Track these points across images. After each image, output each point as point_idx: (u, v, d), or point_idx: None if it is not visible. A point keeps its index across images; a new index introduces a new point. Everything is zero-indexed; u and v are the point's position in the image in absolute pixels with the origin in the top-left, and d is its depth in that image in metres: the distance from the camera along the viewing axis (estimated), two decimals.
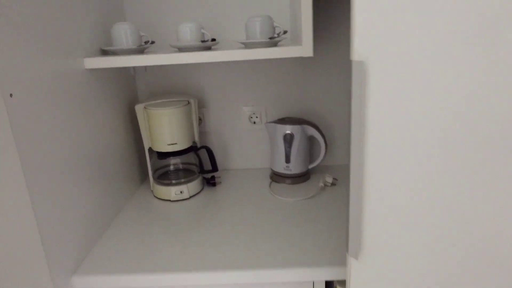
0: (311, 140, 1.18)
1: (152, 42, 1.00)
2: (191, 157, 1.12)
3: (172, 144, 1.03)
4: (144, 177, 1.21)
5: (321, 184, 1.10)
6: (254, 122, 1.23)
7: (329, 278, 0.74)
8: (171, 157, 1.09)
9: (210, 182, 1.15)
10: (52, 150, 0.71)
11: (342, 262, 0.75)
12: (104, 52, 0.95)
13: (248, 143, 1.25)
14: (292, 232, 0.87)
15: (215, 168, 1.13)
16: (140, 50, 0.93)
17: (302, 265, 0.75)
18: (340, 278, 0.74)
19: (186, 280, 0.75)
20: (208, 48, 0.90)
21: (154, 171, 1.11)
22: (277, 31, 0.92)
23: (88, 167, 0.84)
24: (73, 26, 0.81)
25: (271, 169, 1.18)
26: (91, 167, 0.86)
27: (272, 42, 0.87)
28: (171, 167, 1.13)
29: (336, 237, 0.84)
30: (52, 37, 0.73)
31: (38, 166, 0.66)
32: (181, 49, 0.89)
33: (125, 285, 0.76)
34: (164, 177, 1.10)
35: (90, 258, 0.81)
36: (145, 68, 1.17)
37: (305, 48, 0.81)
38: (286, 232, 0.87)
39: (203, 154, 1.18)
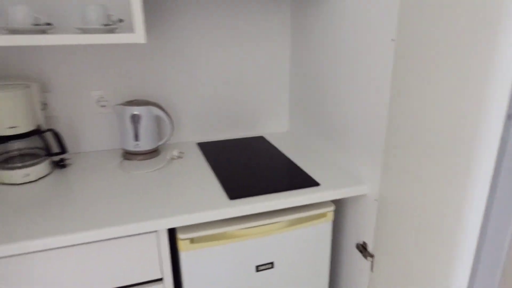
0: (157, 119, 1.31)
1: None
2: (36, 141, 1.13)
3: (12, 127, 1.03)
4: None
5: (168, 157, 1.25)
6: (102, 105, 1.30)
7: (169, 226, 0.90)
8: (13, 141, 1.09)
9: (59, 164, 1.18)
10: None
11: (173, 213, 0.91)
12: None
13: (98, 126, 1.31)
14: (139, 196, 1.00)
15: (63, 150, 1.16)
16: None
17: (147, 219, 0.88)
18: (179, 224, 0.91)
19: (50, 244, 0.81)
20: (43, 32, 0.95)
21: None
22: (113, 19, 1.02)
23: None
24: None
25: (122, 148, 1.28)
26: None
27: (108, 29, 0.97)
28: (15, 152, 1.12)
29: (175, 196, 1.00)
30: None
31: None
32: (12, 32, 0.91)
33: None
34: (7, 161, 1.09)
35: None
36: None
37: (138, 35, 0.94)
38: (133, 197, 0.99)
39: (51, 138, 1.20)
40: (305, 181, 1.08)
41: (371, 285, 1.07)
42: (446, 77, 0.71)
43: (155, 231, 0.92)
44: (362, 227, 1.10)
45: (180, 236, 0.94)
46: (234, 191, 1.01)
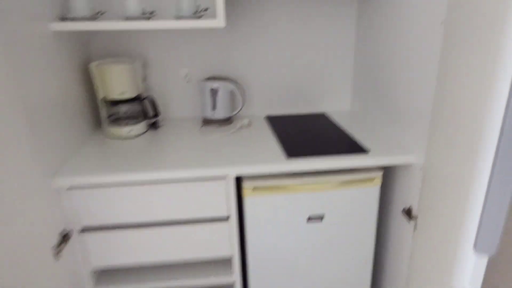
0: (232, 93, 1.53)
1: (102, 13, 1.28)
2: (137, 106, 1.43)
3: (122, 93, 1.33)
4: (97, 125, 1.49)
5: (239, 125, 1.47)
6: (188, 81, 1.56)
7: (236, 174, 1.11)
8: (121, 104, 1.39)
9: (153, 125, 1.47)
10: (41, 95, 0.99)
11: (245, 161, 1.12)
12: (63, 20, 1.21)
13: (183, 97, 1.58)
14: (213, 151, 1.22)
15: (157, 113, 1.45)
16: (93, 18, 1.21)
17: (220, 166, 1.11)
18: (244, 173, 1.11)
19: (146, 178, 1.08)
20: (149, 19, 1.21)
21: (108, 117, 1.40)
22: (200, 8, 1.25)
23: (51, 111, 1.12)
24: None
25: (202, 116, 1.52)
26: (54, 112, 1.14)
27: (196, 16, 1.20)
28: (121, 113, 1.42)
29: (243, 153, 1.21)
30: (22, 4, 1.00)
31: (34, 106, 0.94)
32: (127, 19, 1.18)
33: (91, 182, 1.07)
34: (115, 121, 1.40)
35: (62, 171, 1.10)
36: (96, 33, 1.44)
37: (219, 21, 1.15)
38: (209, 152, 1.22)
39: (148, 104, 1.49)
40: (355, 148, 1.22)
41: (414, 243, 1.17)
42: (482, 59, 0.79)
43: (225, 178, 1.14)
44: (408, 193, 1.21)
45: (244, 184, 1.15)
46: (291, 151, 1.19)
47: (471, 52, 0.82)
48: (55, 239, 1.05)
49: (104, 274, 1.33)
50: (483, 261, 0.84)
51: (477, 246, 0.80)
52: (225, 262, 1.37)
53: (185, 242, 1.21)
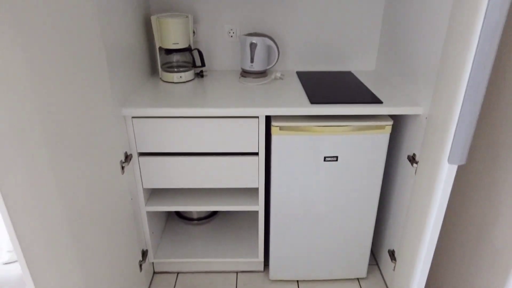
0: (269, 48, 1.73)
1: None
2: (187, 56, 1.67)
3: (175, 43, 1.57)
4: (154, 70, 1.76)
5: (273, 77, 1.68)
6: (231, 36, 1.77)
7: (267, 114, 1.34)
8: (174, 53, 1.64)
9: (200, 74, 1.71)
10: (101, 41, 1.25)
11: (275, 105, 1.34)
12: None
13: (226, 50, 1.80)
14: (249, 96, 1.45)
15: (203, 64, 1.68)
16: None
17: (252, 105, 1.34)
18: (273, 114, 1.34)
19: (193, 113, 1.34)
20: None
21: (162, 64, 1.66)
22: None
23: (121, 53, 1.38)
24: None
25: (241, 68, 1.74)
26: (123, 54, 1.40)
27: None
28: (174, 61, 1.67)
29: (274, 98, 1.43)
30: None
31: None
32: None
33: (150, 114, 1.34)
34: (169, 68, 1.66)
35: (127, 102, 1.38)
36: None
37: None
38: (246, 97, 1.45)
39: (196, 55, 1.73)
40: (371, 99, 1.40)
41: (414, 184, 1.37)
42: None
43: (257, 117, 1.37)
44: (413, 142, 1.39)
45: (273, 123, 1.38)
46: (315, 98, 1.40)
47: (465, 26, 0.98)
48: (122, 156, 1.34)
49: (154, 193, 1.64)
50: (453, 169, 1.07)
51: (450, 159, 1.03)
52: (252, 192, 1.63)
53: (221, 172, 1.48)
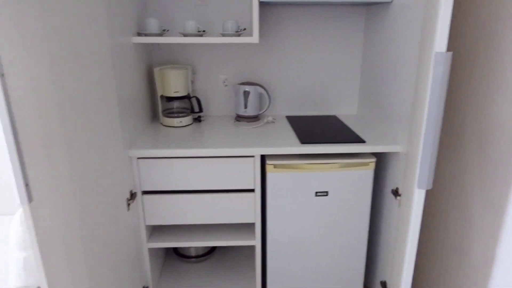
0: (260, 95, 1.91)
1: (167, 30, 1.69)
2: (186, 103, 1.83)
3: (176, 91, 1.73)
4: (154, 116, 1.90)
5: (265, 121, 1.84)
6: (226, 85, 1.95)
7: (262, 153, 1.48)
8: (175, 100, 1.79)
9: (198, 119, 1.86)
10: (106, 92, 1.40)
11: (269, 145, 1.48)
12: (139, 35, 1.63)
13: (221, 98, 1.97)
14: (244, 138, 1.60)
15: (201, 109, 1.84)
16: (160, 34, 1.62)
17: (248, 146, 1.47)
18: (268, 153, 1.48)
19: (193, 153, 1.46)
20: (201, 36, 1.61)
21: (163, 110, 1.81)
22: (240, 28, 1.64)
23: (128, 102, 1.53)
24: (124, 14, 1.49)
25: (236, 113, 1.90)
26: (130, 103, 1.54)
27: (237, 34, 1.59)
28: (174, 108, 1.82)
29: (267, 140, 1.57)
30: (115, 22, 1.41)
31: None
32: (185, 35, 1.59)
33: (153, 155, 1.46)
34: (170, 113, 1.80)
35: (133, 145, 1.49)
36: (158, 45, 1.86)
37: (254, 38, 1.54)
38: (240, 139, 1.59)
39: (194, 102, 1.88)
40: (355, 139, 1.56)
41: (398, 215, 1.49)
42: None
43: (253, 156, 1.50)
44: (395, 176, 1.53)
45: (268, 162, 1.51)
46: (305, 139, 1.55)
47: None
48: (128, 194, 1.44)
49: (156, 229, 1.71)
50: (422, 193, 1.23)
51: (418, 184, 1.21)
52: (249, 228, 1.72)
53: (220, 208, 1.57)
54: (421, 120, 1.18)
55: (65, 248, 0.93)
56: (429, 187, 1.19)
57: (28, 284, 1.24)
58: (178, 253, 1.97)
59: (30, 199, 0.79)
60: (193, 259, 1.95)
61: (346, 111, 2.04)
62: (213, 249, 2.02)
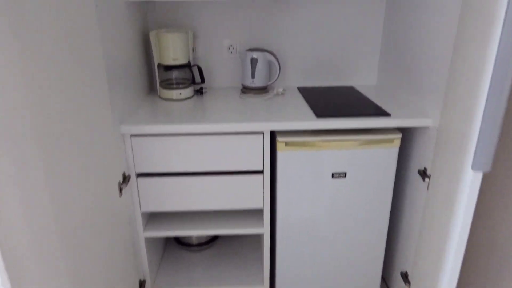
0: (269, 64, 1.70)
1: None
2: (186, 72, 1.63)
3: (175, 59, 1.53)
4: (151, 88, 1.71)
5: (275, 92, 1.64)
6: (231, 52, 1.74)
7: (272, 129, 1.29)
8: (173, 70, 1.59)
9: (199, 91, 1.66)
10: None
11: (280, 119, 1.29)
12: None
13: (226, 66, 1.77)
14: (252, 112, 1.40)
15: (203, 80, 1.64)
16: None
17: (256, 121, 1.28)
18: (279, 129, 1.29)
19: (194, 129, 1.28)
20: None
21: (161, 81, 1.61)
22: None
23: (120, 71, 1.33)
24: None
25: (242, 84, 1.70)
26: (122, 72, 1.35)
27: None
28: (173, 78, 1.63)
29: (277, 113, 1.38)
30: None
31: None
32: None
33: (149, 131, 1.28)
34: (168, 84, 1.61)
35: (126, 120, 1.32)
36: (155, 4, 1.64)
37: None
38: (248, 113, 1.40)
39: (195, 72, 1.68)
40: (378, 111, 1.36)
41: (427, 200, 1.31)
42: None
43: (261, 133, 1.32)
44: (423, 155, 1.34)
45: (278, 139, 1.32)
46: (321, 112, 1.35)
47: (475, 40, 0.95)
48: (120, 177, 1.27)
49: (153, 217, 1.55)
50: (478, 176, 1.03)
51: (474, 166, 1.00)
52: (256, 214, 1.56)
53: (224, 192, 1.41)
54: (475, 87, 0.96)
55: (38, 242, 0.77)
56: (488, 169, 0.99)
57: None
58: (179, 242, 1.82)
59: None
60: (195, 248, 1.80)
61: (365, 81, 1.83)
62: (216, 236, 1.88)
